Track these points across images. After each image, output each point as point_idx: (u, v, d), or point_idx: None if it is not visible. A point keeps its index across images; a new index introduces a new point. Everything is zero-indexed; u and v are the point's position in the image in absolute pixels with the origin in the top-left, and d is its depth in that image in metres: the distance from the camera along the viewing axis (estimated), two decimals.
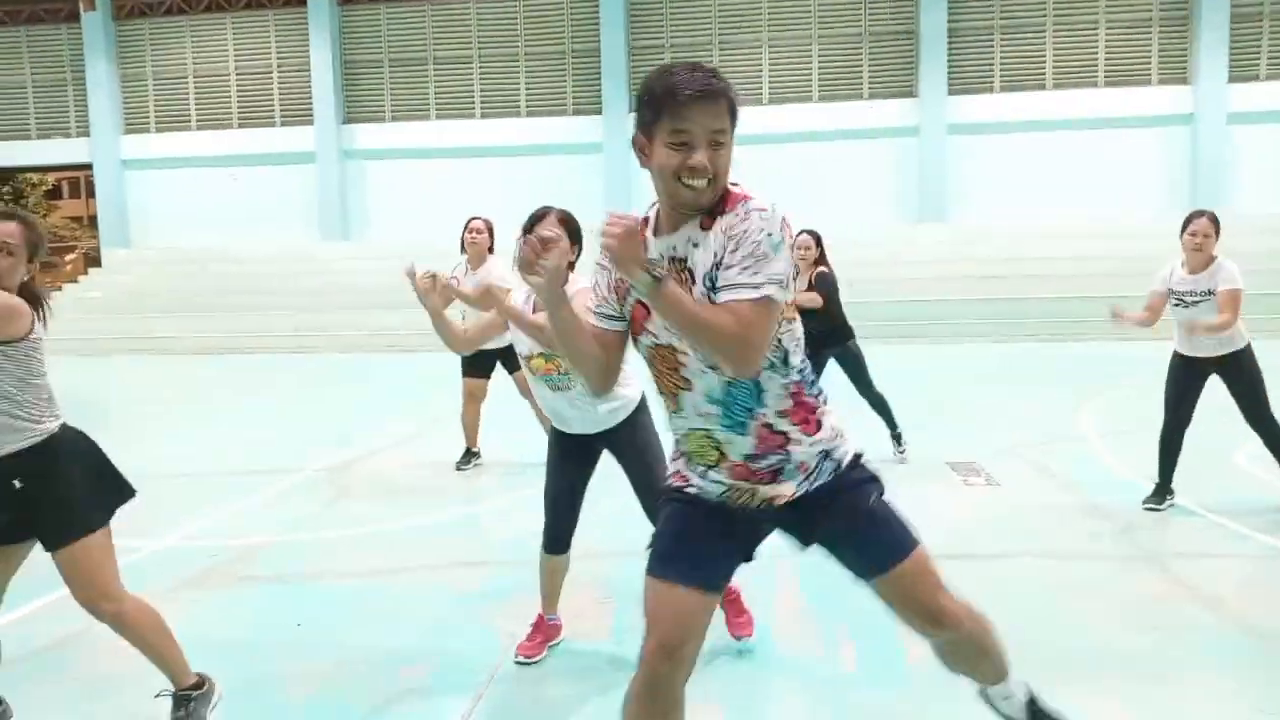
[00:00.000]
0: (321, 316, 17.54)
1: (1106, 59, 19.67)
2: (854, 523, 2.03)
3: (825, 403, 2.07)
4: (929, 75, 19.61)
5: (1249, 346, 4.88)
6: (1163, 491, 5.09)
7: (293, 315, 17.66)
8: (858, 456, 2.09)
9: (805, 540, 2.11)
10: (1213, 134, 19.02)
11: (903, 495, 5.32)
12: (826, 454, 2.03)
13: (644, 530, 2.31)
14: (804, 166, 19.60)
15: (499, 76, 21.40)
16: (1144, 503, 5.08)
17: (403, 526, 5.30)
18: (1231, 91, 18.99)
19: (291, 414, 9.92)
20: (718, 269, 1.83)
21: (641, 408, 3.32)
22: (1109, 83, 19.64)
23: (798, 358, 2.00)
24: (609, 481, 3.45)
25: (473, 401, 6.59)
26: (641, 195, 21.79)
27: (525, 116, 21.25)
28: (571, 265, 3.22)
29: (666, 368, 1.98)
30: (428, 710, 3.11)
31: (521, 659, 3.37)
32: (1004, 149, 19.58)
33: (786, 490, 2.00)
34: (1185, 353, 4.97)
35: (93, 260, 23.67)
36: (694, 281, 1.87)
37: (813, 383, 2.05)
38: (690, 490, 2.07)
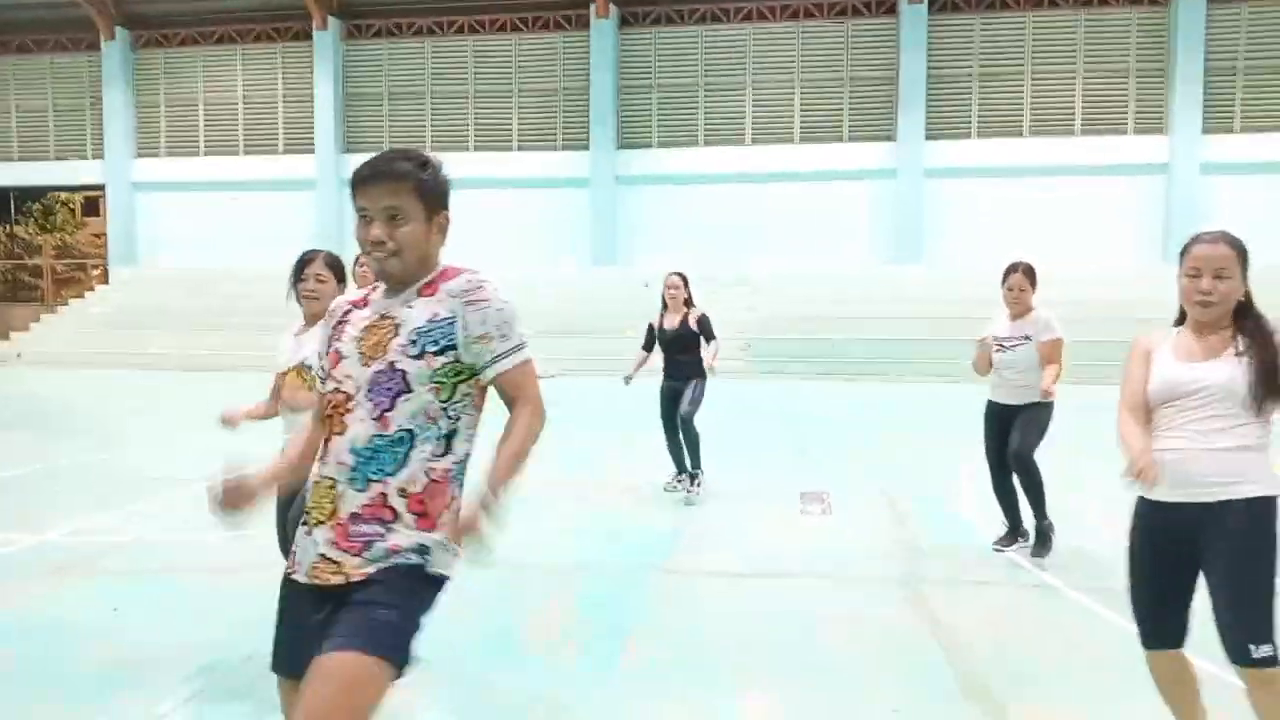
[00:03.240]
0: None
1: (1084, 107, 20.00)
2: (364, 602, 1.86)
3: (455, 511, 1.95)
4: (908, 120, 20.05)
5: (1051, 405, 5.11)
6: (1014, 534, 5.35)
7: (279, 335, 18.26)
8: (444, 578, 1.96)
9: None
10: (1187, 183, 19.24)
11: (735, 516, 5.78)
12: (424, 549, 1.92)
13: None
14: (783, 205, 20.09)
15: (493, 112, 22.14)
16: (993, 544, 5.31)
17: None
18: (1206, 142, 19.24)
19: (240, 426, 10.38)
20: (437, 329, 1.92)
21: None
22: (1085, 131, 19.95)
23: (464, 448, 2.00)
24: None
25: None
26: (627, 220, 22.18)
27: (517, 150, 21.95)
28: None
29: (336, 412, 1.97)
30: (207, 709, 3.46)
31: None
32: (980, 193, 19.91)
33: (368, 569, 1.88)
34: (999, 400, 5.28)
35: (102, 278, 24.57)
36: (396, 335, 1.94)
37: (460, 483, 1.99)
38: (295, 575, 2.00)
